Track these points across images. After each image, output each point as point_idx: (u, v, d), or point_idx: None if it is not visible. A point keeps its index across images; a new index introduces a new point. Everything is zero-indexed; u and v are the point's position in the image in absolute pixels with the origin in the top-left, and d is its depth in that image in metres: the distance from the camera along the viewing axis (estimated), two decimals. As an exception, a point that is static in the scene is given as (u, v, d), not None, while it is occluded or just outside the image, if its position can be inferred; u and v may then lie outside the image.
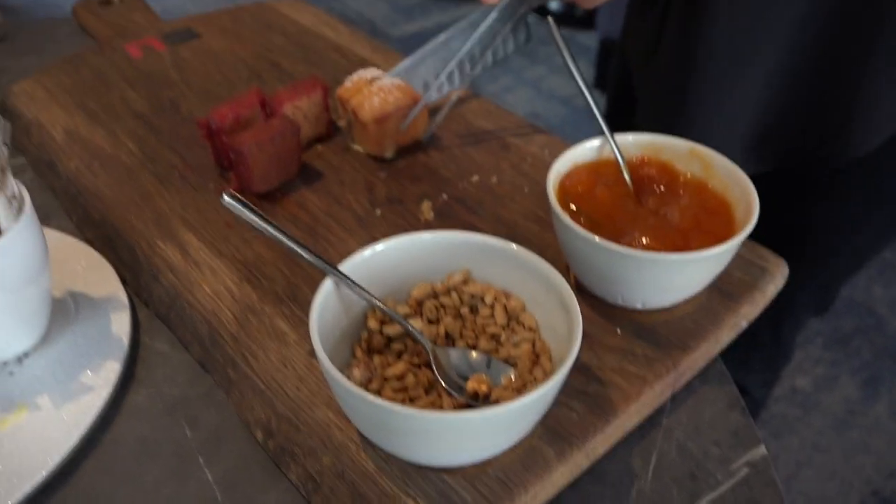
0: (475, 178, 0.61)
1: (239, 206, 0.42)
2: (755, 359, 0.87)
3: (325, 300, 0.41)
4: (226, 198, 0.42)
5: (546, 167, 0.61)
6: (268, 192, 0.60)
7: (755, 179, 0.48)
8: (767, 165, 0.71)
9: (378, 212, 0.58)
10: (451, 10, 3.03)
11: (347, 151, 0.65)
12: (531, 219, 0.57)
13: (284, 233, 0.42)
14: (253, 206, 0.42)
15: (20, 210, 0.45)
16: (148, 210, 0.58)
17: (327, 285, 0.41)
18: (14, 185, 0.46)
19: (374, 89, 0.63)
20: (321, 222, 0.57)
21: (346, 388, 0.36)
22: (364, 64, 0.76)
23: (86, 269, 0.55)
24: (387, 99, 0.62)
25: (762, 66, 0.65)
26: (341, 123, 0.66)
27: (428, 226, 0.57)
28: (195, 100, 0.71)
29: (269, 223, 0.42)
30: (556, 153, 0.63)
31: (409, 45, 2.78)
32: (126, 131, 0.67)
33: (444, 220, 0.57)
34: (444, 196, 0.60)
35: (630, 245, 0.45)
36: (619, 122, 0.78)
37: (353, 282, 0.42)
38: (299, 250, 0.42)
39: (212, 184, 0.61)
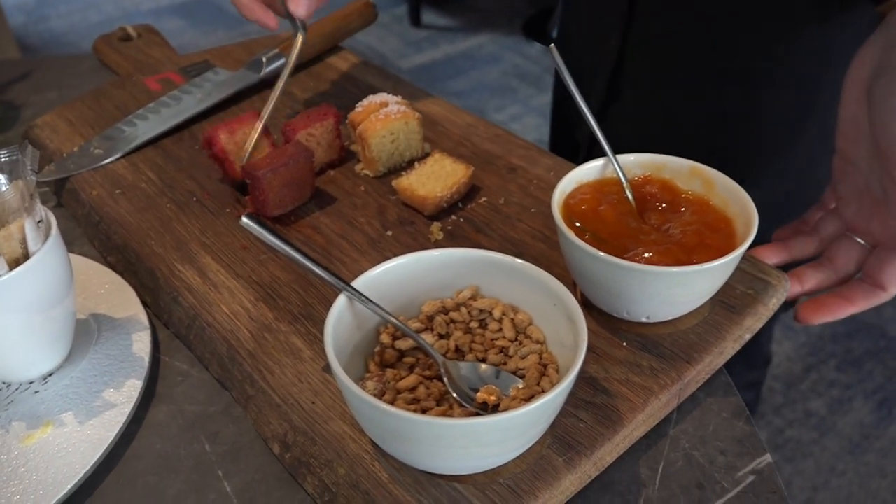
0: (483, 199, 0.63)
1: (257, 227, 0.44)
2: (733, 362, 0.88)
3: (339, 316, 0.42)
4: (245, 219, 0.44)
5: (552, 189, 0.63)
6: (282, 215, 0.62)
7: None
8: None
9: (389, 233, 0.60)
10: (458, 41, 3.09)
11: (359, 176, 0.67)
12: (538, 238, 0.59)
13: (300, 251, 0.44)
14: (271, 227, 0.44)
15: (47, 234, 0.47)
16: (168, 235, 0.60)
17: (341, 301, 0.43)
18: (41, 210, 0.48)
19: (382, 115, 0.65)
20: (335, 244, 0.59)
21: (362, 398, 0.38)
22: (375, 91, 0.79)
23: (108, 291, 0.57)
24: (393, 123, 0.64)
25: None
26: (355, 147, 0.69)
27: (438, 246, 0.59)
28: (209, 127, 0.74)
29: (286, 242, 0.44)
30: (561, 175, 0.65)
31: (419, 76, 2.84)
32: (145, 161, 0.69)
33: (453, 240, 0.59)
34: (453, 217, 0.61)
35: (635, 260, 0.47)
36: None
37: (366, 298, 0.44)
38: (314, 268, 0.44)
39: (228, 209, 0.63)
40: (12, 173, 0.47)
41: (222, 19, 3.31)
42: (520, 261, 0.46)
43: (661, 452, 0.47)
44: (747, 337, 0.51)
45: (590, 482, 0.44)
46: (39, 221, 0.47)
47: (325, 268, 0.44)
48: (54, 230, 0.48)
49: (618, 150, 0.54)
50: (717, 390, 0.50)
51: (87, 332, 0.54)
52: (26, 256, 0.46)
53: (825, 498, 1.43)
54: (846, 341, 1.73)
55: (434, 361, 0.45)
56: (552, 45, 0.56)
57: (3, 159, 0.47)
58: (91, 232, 0.64)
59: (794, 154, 0.76)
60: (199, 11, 3.38)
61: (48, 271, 0.47)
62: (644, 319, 0.50)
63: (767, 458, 0.46)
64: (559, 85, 0.95)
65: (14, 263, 0.45)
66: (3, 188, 0.47)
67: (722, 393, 0.50)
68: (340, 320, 0.42)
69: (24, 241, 0.46)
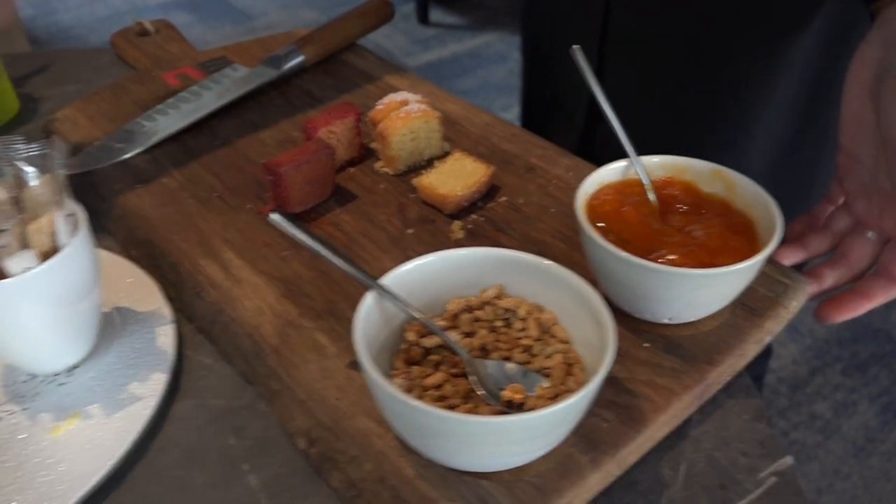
0: (503, 198, 0.64)
1: (287, 224, 0.44)
2: None
3: (368, 313, 0.43)
4: (273, 216, 0.44)
5: (571, 189, 0.64)
6: (303, 212, 0.62)
7: None
8: None
9: (410, 231, 0.60)
10: (465, 39, 3.09)
11: (378, 174, 0.67)
12: (559, 238, 0.59)
13: (331, 248, 0.44)
14: (300, 224, 0.44)
15: (76, 228, 0.48)
16: (190, 230, 0.60)
17: (369, 299, 0.43)
18: (71, 203, 0.48)
19: (403, 113, 0.66)
20: (356, 241, 0.59)
21: (392, 394, 0.38)
22: (391, 89, 0.79)
23: (130, 285, 0.57)
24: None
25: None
26: (374, 146, 0.69)
27: (458, 244, 0.59)
28: (229, 123, 0.74)
29: (316, 239, 0.44)
30: (581, 176, 0.65)
31: (426, 74, 2.84)
32: (166, 156, 0.69)
33: (474, 239, 0.60)
34: (473, 216, 0.62)
35: (659, 262, 0.47)
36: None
37: (395, 295, 0.44)
38: (344, 265, 0.44)
39: (249, 205, 0.63)
40: (42, 167, 0.48)
41: (229, 14, 3.31)
42: (547, 261, 0.46)
43: (682, 453, 0.47)
44: (768, 339, 0.52)
45: (613, 481, 0.45)
46: (69, 215, 0.47)
47: (355, 265, 0.44)
48: (83, 224, 0.48)
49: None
50: (737, 392, 0.51)
51: (111, 326, 0.54)
52: (55, 250, 0.46)
53: (830, 501, 1.43)
54: (852, 345, 1.73)
55: (460, 359, 0.45)
56: (576, 47, 0.56)
57: (33, 153, 0.48)
58: (113, 226, 0.64)
59: (781, 154, 0.76)
60: (206, 6, 3.38)
61: (77, 265, 0.47)
62: (666, 321, 0.50)
63: (789, 460, 0.46)
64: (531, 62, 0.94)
65: (43, 257, 0.46)
66: (34, 182, 0.47)
67: (743, 395, 0.51)
68: (368, 317, 0.43)
69: (53, 235, 0.46)
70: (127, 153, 0.69)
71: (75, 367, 0.52)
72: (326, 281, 0.55)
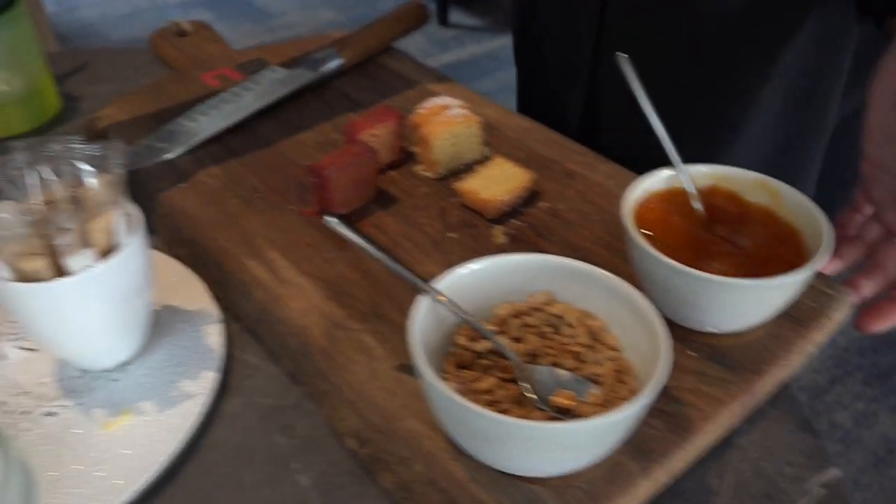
0: (543, 204, 0.64)
1: (341, 227, 0.45)
2: None
3: (422, 317, 0.43)
4: (327, 218, 0.45)
5: (612, 196, 0.64)
6: (346, 214, 0.63)
7: None
8: None
9: (452, 235, 0.61)
10: (485, 41, 3.09)
11: (418, 177, 0.68)
12: (600, 244, 0.59)
13: (387, 252, 0.45)
14: (355, 227, 0.45)
15: (133, 227, 0.48)
16: (234, 230, 0.61)
17: (425, 303, 0.44)
18: (128, 203, 0.49)
19: (444, 118, 0.66)
20: (399, 244, 0.60)
21: (450, 397, 0.38)
22: (428, 93, 0.80)
23: (177, 283, 0.58)
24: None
25: None
26: (414, 149, 0.69)
27: (500, 249, 0.59)
28: (269, 124, 0.75)
29: (371, 243, 0.45)
30: (621, 182, 0.66)
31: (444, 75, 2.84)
32: (208, 156, 0.70)
33: (515, 244, 0.60)
34: (514, 221, 0.62)
35: (707, 271, 0.47)
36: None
37: (449, 300, 0.45)
38: (398, 268, 0.45)
39: (291, 206, 0.64)
40: (100, 167, 0.48)
41: (249, 13, 3.33)
42: (598, 269, 0.46)
43: (729, 462, 0.47)
44: (813, 351, 0.52)
45: (660, 489, 0.45)
46: (126, 214, 0.48)
47: (410, 269, 0.45)
48: (139, 223, 0.49)
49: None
50: (782, 402, 0.51)
51: (160, 323, 0.55)
52: (113, 248, 0.47)
53: (849, 511, 1.43)
54: (872, 355, 1.73)
55: (510, 364, 0.45)
56: (623, 56, 0.56)
57: (91, 153, 0.49)
58: (158, 224, 0.65)
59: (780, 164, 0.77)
60: (226, 5, 3.40)
61: (133, 263, 0.48)
62: (712, 330, 0.50)
63: (835, 471, 0.46)
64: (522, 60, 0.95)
65: (102, 255, 0.46)
66: (92, 181, 0.48)
67: (787, 405, 0.51)
68: (423, 321, 0.43)
69: (111, 234, 0.47)
70: (170, 153, 0.70)
71: (126, 363, 0.53)
72: (371, 283, 0.56)
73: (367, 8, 3.37)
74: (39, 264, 0.44)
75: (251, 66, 0.84)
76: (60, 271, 0.45)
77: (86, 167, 0.48)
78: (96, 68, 0.91)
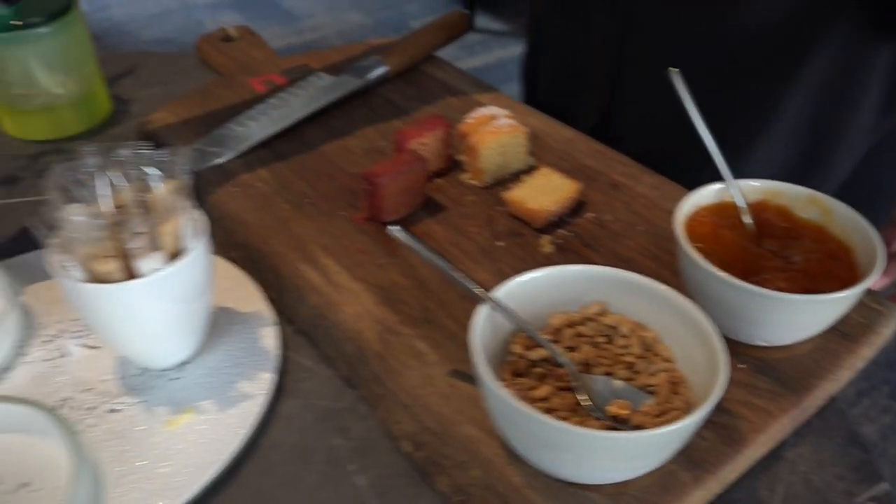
0: (589, 214, 0.65)
1: (405, 236, 0.46)
2: None
3: (483, 325, 0.44)
4: (391, 228, 0.46)
5: (656, 207, 0.65)
6: (395, 221, 0.64)
7: None
8: None
9: (500, 244, 0.62)
10: (511, 46, 3.10)
11: (465, 185, 0.69)
12: (647, 256, 0.60)
13: (448, 262, 0.46)
14: (418, 237, 0.46)
15: (198, 231, 0.50)
16: (286, 235, 0.63)
17: (484, 311, 0.45)
18: (192, 208, 0.50)
19: (493, 128, 0.67)
20: (448, 252, 0.61)
21: (511, 404, 0.39)
22: (472, 101, 0.81)
23: (232, 286, 0.60)
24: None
25: None
26: (461, 158, 0.71)
27: (548, 259, 0.60)
28: (316, 130, 0.76)
29: (435, 253, 0.46)
30: (666, 194, 0.67)
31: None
32: (258, 161, 0.72)
33: (562, 253, 0.61)
34: (561, 230, 0.63)
35: (758, 285, 0.48)
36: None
37: (507, 309, 0.46)
38: (460, 277, 0.46)
39: (342, 212, 0.65)
40: (167, 172, 0.50)
41: (277, 15, 3.36)
42: (653, 280, 0.47)
43: (779, 474, 0.48)
44: (861, 366, 0.52)
45: (712, 499, 0.46)
46: (192, 219, 0.50)
47: (470, 278, 0.46)
48: (204, 227, 0.50)
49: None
50: (830, 416, 0.51)
51: (216, 325, 0.57)
52: (179, 252, 0.49)
53: (876, 525, 1.42)
54: (900, 368, 1.71)
55: (565, 372, 0.46)
56: (675, 70, 0.57)
57: (159, 159, 0.50)
58: (212, 228, 0.66)
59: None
60: (254, 7, 3.44)
61: (198, 266, 0.50)
62: (762, 343, 0.51)
63: (885, 486, 0.47)
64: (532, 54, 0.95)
65: (170, 258, 0.48)
66: (158, 186, 0.50)
67: (836, 419, 0.51)
68: (483, 329, 0.44)
69: (178, 237, 0.48)
70: (222, 157, 0.71)
71: (185, 363, 0.54)
72: (422, 290, 0.57)
73: (395, 11, 3.39)
74: (112, 266, 0.46)
75: (297, 72, 0.86)
76: (130, 273, 0.47)
77: (153, 172, 0.50)
78: (144, 72, 0.93)
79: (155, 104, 0.86)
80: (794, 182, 0.55)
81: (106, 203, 0.48)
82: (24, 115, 0.80)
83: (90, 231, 0.46)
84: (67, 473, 0.44)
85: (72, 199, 0.48)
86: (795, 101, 0.71)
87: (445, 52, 0.90)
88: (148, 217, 0.48)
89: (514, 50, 3.08)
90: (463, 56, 2.98)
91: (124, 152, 0.50)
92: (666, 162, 0.67)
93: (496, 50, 3.06)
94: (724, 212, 0.55)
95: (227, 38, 0.95)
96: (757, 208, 0.55)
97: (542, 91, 0.92)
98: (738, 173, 0.55)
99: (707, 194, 0.55)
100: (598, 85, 0.80)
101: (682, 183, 0.66)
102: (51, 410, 0.47)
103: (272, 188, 0.68)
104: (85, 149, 0.49)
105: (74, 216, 0.46)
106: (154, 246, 0.47)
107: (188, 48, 0.97)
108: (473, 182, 0.69)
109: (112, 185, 0.49)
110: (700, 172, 0.56)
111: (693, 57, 0.71)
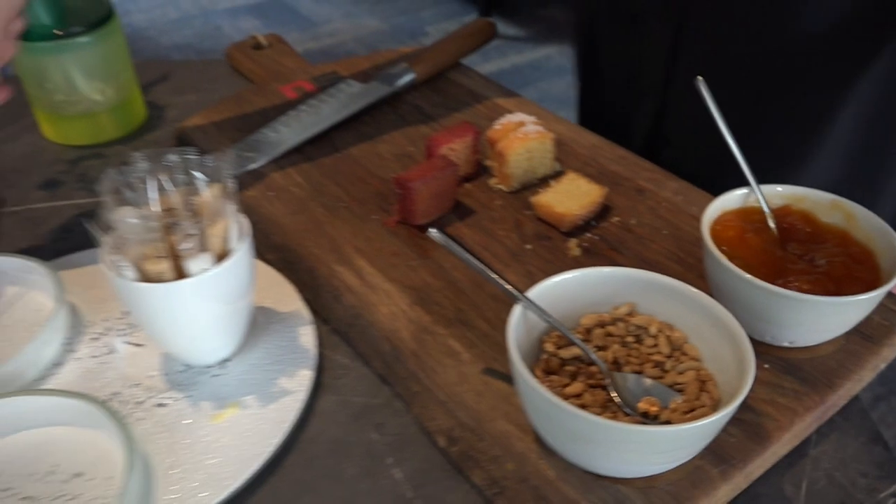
0: (615, 218, 0.67)
1: (444, 238, 0.48)
2: None
3: (518, 323, 0.46)
4: (432, 231, 0.48)
5: (681, 212, 0.67)
6: (426, 224, 0.66)
7: None
8: None
9: (528, 247, 0.64)
10: (527, 51, 3.13)
11: (493, 190, 0.71)
12: (672, 259, 0.62)
13: (484, 263, 0.48)
14: (457, 239, 0.48)
15: (242, 233, 0.52)
16: (322, 238, 0.65)
17: (518, 311, 0.47)
18: (237, 210, 0.53)
19: (521, 134, 0.69)
20: (479, 255, 0.63)
21: (548, 398, 0.41)
22: (497, 108, 0.83)
23: (270, 286, 0.62)
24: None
25: None
26: (489, 163, 0.73)
27: (575, 261, 0.62)
28: (348, 137, 0.79)
29: (472, 254, 0.48)
30: (690, 199, 0.68)
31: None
32: (292, 165, 0.74)
33: (590, 256, 0.63)
34: (588, 234, 0.65)
35: (784, 287, 0.50)
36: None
37: (541, 309, 0.47)
38: (496, 278, 0.48)
39: (374, 215, 0.67)
40: (213, 177, 0.52)
41: (295, 21, 3.40)
42: (681, 283, 0.49)
43: (803, 471, 0.49)
44: (882, 367, 0.54)
45: (737, 494, 0.47)
46: (237, 222, 0.52)
47: (505, 279, 0.48)
48: (248, 229, 0.52)
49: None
50: (853, 415, 0.53)
51: (256, 324, 0.59)
52: (226, 253, 0.51)
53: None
54: (918, 373, 1.71)
55: (597, 370, 0.48)
56: (699, 78, 0.59)
57: (206, 165, 0.52)
58: (248, 230, 0.69)
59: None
60: (273, 12, 3.48)
61: (242, 267, 0.52)
62: (786, 344, 0.53)
63: (908, 482, 0.48)
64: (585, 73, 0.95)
65: (217, 259, 0.50)
66: (205, 190, 0.52)
67: (858, 419, 0.53)
68: (518, 328, 0.46)
69: (225, 239, 0.51)
70: (257, 162, 0.74)
71: (226, 360, 0.56)
72: (454, 291, 0.59)
73: (411, 17, 3.42)
74: (164, 266, 0.48)
75: (326, 80, 0.88)
76: (179, 273, 0.49)
77: (200, 177, 0.52)
78: (177, 79, 0.96)
79: (188, 110, 0.89)
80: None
81: (155, 206, 0.51)
82: (64, 120, 0.82)
83: (143, 232, 0.48)
84: (122, 463, 0.46)
85: (124, 202, 0.50)
86: (847, 114, 0.71)
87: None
88: (197, 219, 0.50)
89: (530, 55, 3.10)
90: (478, 62, 3.00)
91: (172, 157, 0.52)
92: (715, 167, 0.67)
93: (511, 55, 3.08)
94: (749, 216, 0.56)
95: (257, 46, 0.98)
96: (781, 213, 0.57)
97: (595, 95, 0.93)
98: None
99: (732, 199, 0.57)
100: (651, 90, 0.80)
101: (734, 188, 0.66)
102: (103, 404, 0.49)
103: (307, 192, 0.71)
104: (135, 154, 0.52)
105: (128, 218, 0.48)
106: (202, 247, 0.49)
107: (207, 54, 1.00)
108: (501, 187, 0.71)
109: (161, 188, 0.51)
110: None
111: (745, 61, 0.73)
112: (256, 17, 3.42)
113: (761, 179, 0.57)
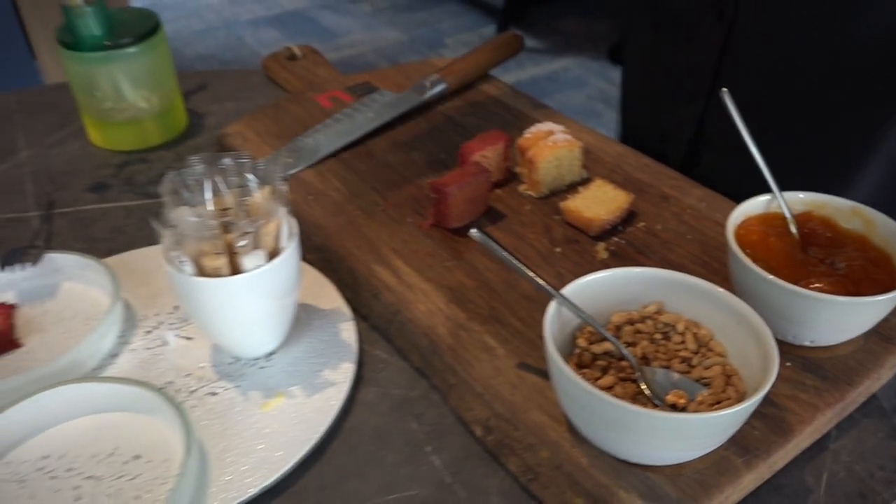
0: (641, 224, 0.69)
1: (486, 239, 0.51)
2: None
3: (553, 319, 0.49)
4: (473, 232, 0.51)
5: (704, 218, 0.69)
6: (460, 228, 0.69)
7: None
8: None
9: (558, 250, 0.67)
10: (544, 63, 3.16)
11: (522, 196, 0.74)
12: (697, 263, 0.64)
13: (522, 262, 0.51)
14: (497, 240, 0.51)
15: (291, 232, 0.55)
16: (361, 239, 0.68)
17: (553, 307, 0.50)
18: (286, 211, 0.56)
19: (550, 142, 0.72)
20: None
21: (583, 386, 0.44)
22: (525, 117, 0.86)
23: (311, 285, 0.65)
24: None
25: None
26: (518, 170, 0.76)
27: (603, 264, 0.65)
28: (383, 144, 0.82)
29: (511, 254, 0.51)
30: (713, 206, 0.71)
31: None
32: (330, 171, 0.77)
33: (617, 259, 0.65)
34: (615, 239, 0.68)
35: (810, 289, 0.52)
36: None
37: (575, 306, 0.50)
38: (532, 277, 0.51)
39: (410, 219, 0.71)
40: (265, 180, 0.56)
41: (316, 32, 3.46)
42: (708, 283, 0.52)
43: (823, 463, 0.52)
44: (901, 366, 0.56)
45: (761, 483, 0.50)
46: (287, 221, 0.55)
47: (542, 277, 0.51)
48: (296, 229, 0.56)
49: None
50: (871, 412, 0.55)
51: (299, 320, 0.62)
52: (277, 251, 0.54)
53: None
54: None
55: (627, 365, 0.51)
56: (725, 90, 0.61)
57: (258, 168, 0.56)
58: (289, 232, 0.72)
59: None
60: (293, 24, 3.54)
61: (291, 264, 0.55)
62: (807, 343, 0.55)
63: (925, 475, 0.51)
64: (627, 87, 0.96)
65: (269, 256, 0.53)
66: (256, 191, 0.55)
67: (876, 415, 0.55)
68: (553, 323, 0.49)
69: (277, 238, 0.54)
70: (297, 167, 0.77)
71: (272, 353, 0.59)
72: (488, 290, 0.62)
73: (430, 28, 3.47)
74: (221, 262, 0.51)
75: (360, 89, 0.92)
76: (234, 269, 0.52)
77: (253, 179, 0.55)
78: (216, 88, 1.00)
79: (227, 118, 0.92)
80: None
81: (210, 206, 0.54)
82: (111, 127, 0.86)
83: (202, 230, 0.51)
84: (180, 447, 0.49)
85: (181, 203, 0.54)
86: (894, 130, 0.70)
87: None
88: (252, 219, 0.53)
89: (548, 67, 3.14)
90: (496, 73, 3.03)
91: (227, 161, 0.56)
92: (758, 173, 0.68)
93: (529, 67, 3.12)
94: (771, 221, 0.59)
95: (292, 57, 1.02)
96: (802, 219, 0.60)
97: (638, 102, 0.94)
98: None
99: (756, 205, 0.60)
100: (696, 95, 0.80)
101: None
102: (161, 391, 0.53)
103: (345, 196, 0.74)
104: (192, 158, 0.55)
105: (188, 216, 0.52)
106: (256, 245, 0.53)
107: (230, 64, 1.03)
108: (530, 193, 0.74)
109: (216, 190, 0.54)
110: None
111: (792, 70, 0.72)
112: (277, 29, 3.48)
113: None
